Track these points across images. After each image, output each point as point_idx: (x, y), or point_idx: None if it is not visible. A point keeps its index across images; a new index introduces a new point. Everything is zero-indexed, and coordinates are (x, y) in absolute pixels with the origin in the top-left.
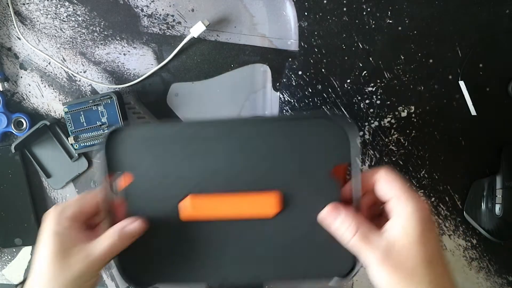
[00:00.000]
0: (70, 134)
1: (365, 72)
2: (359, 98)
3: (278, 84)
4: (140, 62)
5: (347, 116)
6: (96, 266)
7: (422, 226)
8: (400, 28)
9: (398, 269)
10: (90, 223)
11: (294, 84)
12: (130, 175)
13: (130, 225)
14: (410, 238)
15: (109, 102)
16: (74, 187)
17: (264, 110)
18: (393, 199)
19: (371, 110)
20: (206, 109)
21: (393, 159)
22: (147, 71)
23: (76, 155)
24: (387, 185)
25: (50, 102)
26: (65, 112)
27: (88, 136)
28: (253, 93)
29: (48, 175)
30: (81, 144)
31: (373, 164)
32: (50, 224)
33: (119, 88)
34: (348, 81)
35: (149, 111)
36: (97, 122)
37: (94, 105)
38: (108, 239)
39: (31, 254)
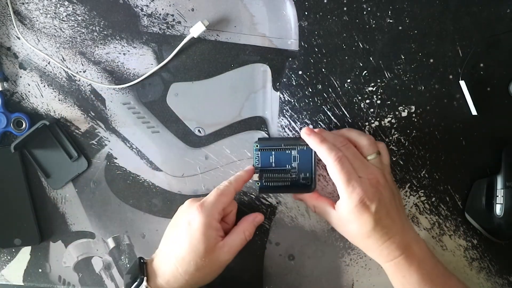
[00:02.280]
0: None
1: (365, 71)
2: (360, 97)
3: (278, 83)
4: (140, 62)
5: (347, 115)
6: (235, 254)
7: (353, 211)
8: (400, 27)
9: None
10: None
11: (294, 83)
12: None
13: (258, 217)
14: (346, 221)
15: (304, 148)
16: (74, 187)
17: (264, 110)
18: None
19: (372, 110)
20: (205, 109)
21: (394, 159)
22: (147, 71)
23: (76, 155)
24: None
25: (50, 102)
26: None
27: (274, 177)
28: (253, 93)
29: (47, 175)
30: (264, 184)
31: None
32: (199, 221)
33: (118, 87)
34: (349, 80)
35: (149, 111)
36: (287, 165)
37: (288, 148)
38: (242, 232)
39: (30, 255)
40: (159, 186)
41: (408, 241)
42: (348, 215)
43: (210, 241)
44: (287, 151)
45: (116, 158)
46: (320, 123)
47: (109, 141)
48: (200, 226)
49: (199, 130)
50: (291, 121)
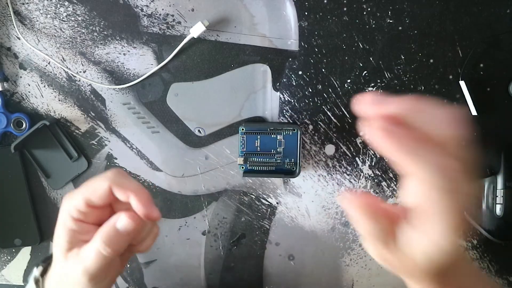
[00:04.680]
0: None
1: (365, 72)
2: None
3: (278, 84)
4: (140, 62)
5: (347, 115)
6: (96, 278)
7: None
8: (400, 28)
9: None
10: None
11: (294, 84)
12: None
13: (121, 221)
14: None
15: (290, 133)
16: (74, 187)
17: (264, 110)
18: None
19: None
20: (205, 109)
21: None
22: (147, 71)
23: (76, 155)
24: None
25: (50, 102)
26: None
27: (259, 161)
28: (253, 93)
29: (47, 175)
30: (249, 167)
31: (373, 164)
32: (61, 214)
33: (118, 88)
34: (349, 81)
35: (149, 111)
36: (272, 150)
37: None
38: (92, 250)
39: (30, 255)
40: (159, 186)
41: None
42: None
43: (63, 243)
44: (272, 135)
45: (116, 158)
46: (320, 123)
47: (109, 141)
48: (58, 220)
49: (199, 130)
50: (291, 121)
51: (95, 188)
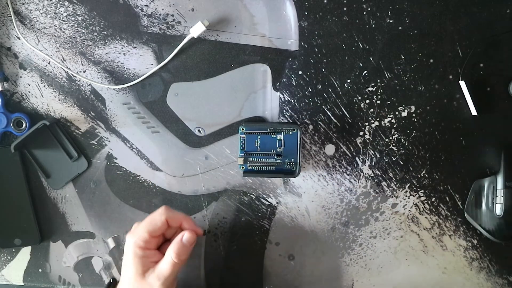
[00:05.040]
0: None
1: (365, 72)
2: (360, 98)
3: (278, 84)
4: (140, 62)
5: (347, 115)
6: (168, 282)
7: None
8: (400, 27)
9: None
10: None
11: (294, 83)
12: None
13: (186, 236)
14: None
15: (290, 133)
16: (74, 187)
17: (264, 110)
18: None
19: (371, 110)
20: (205, 109)
21: (394, 159)
22: (147, 71)
23: (76, 155)
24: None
25: (50, 102)
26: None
27: (259, 161)
28: (253, 93)
29: (47, 175)
30: (249, 167)
31: (373, 163)
32: (126, 249)
33: (118, 87)
34: (349, 81)
35: (149, 111)
36: (272, 150)
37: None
38: (167, 262)
39: (30, 255)
40: (159, 186)
41: None
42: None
43: (137, 268)
44: (272, 135)
45: (116, 158)
46: (320, 123)
47: (109, 141)
48: (127, 253)
49: (199, 130)
50: (291, 121)
51: (156, 222)
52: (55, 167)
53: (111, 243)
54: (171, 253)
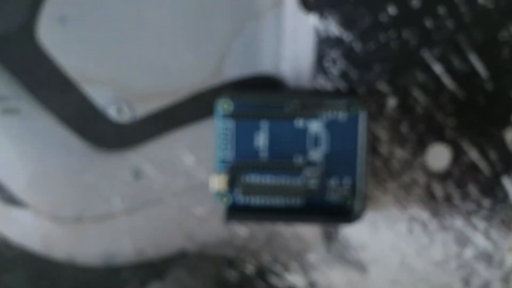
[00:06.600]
0: None
1: None
2: None
3: None
4: None
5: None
6: None
7: None
8: None
9: None
10: None
11: None
12: None
13: None
14: None
15: (342, 118)
16: None
17: (277, 60)
18: None
19: None
20: (136, 57)
21: None
22: None
23: None
24: None
25: None
26: None
27: (264, 184)
28: (250, 20)
29: None
30: (240, 199)
31: None
32: None
33: None
34: None
35: None
36: (297, 157)
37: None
38: None
39: None
40: (20, 244)
41: None
42: None
43: None
44: (297, 123)
45: None
46: (417, 94)
47: None
48: None
49: (119, 109)
50: (343, 91)
51: None
52: None
53: None
54: None
